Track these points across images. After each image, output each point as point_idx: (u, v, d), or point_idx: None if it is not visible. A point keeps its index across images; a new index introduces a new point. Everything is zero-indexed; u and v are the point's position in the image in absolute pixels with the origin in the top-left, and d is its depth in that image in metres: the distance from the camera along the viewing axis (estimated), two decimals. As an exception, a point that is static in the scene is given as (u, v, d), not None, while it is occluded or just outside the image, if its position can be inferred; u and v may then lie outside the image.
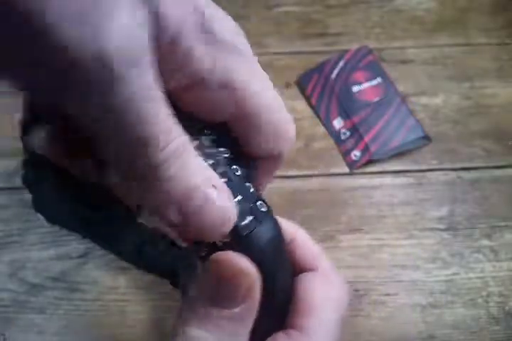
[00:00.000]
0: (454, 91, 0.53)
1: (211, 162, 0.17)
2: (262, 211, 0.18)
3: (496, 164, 0.49)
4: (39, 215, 0.44)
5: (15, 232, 0.45)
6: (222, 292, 0.16)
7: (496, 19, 0.57)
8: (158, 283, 0.42)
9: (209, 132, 0.18)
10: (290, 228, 0.21)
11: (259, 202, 0.18)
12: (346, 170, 0.49)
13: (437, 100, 0.52)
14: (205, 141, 0.18)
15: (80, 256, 0.44)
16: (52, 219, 0.44)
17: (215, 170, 0.16)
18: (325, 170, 0.49)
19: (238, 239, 0.17)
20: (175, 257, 0.41)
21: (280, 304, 0.20)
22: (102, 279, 0.43)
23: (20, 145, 0.49)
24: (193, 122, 0.17)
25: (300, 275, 0.21)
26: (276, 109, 0.18)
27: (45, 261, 0.44)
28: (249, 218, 0.17)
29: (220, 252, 0.17)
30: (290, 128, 0.20)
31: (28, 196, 0.43)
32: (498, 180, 0.48)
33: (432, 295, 0.43)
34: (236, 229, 0.16)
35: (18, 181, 0.45)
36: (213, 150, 0.18)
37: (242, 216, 0.17)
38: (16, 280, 0.43)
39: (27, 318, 0.42)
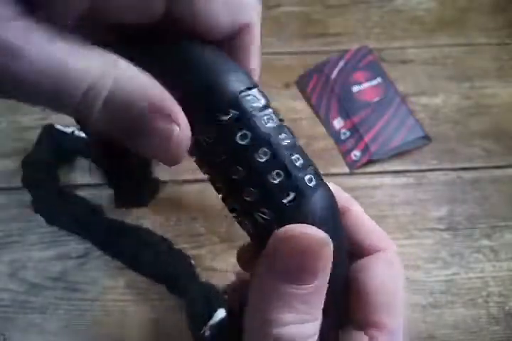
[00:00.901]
0: (454, 91, 0.53)
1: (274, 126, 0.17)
2: (311, 181, 0.17)
3: (496, 164, 0.49)
4: (39, 215, 0.44)
5: (15, 232, 0.45)
6: (300, 266, 0.16)
7: (496, 19, 0.57)
8: (158, 283, 0.42)
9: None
10: (343, 200, 0.20)
11: (308, 175, 0.17)
12: (346, 170, 0.49)
13: (437, 100, 0.52)
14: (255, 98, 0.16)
15: (80, 256, 0.44)
16: (51, 221, 0.44)
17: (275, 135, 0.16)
18: (325, 170, 0.49)
19: (282, 212, 0.16)
20: (172, 261, 0.41)
21: (337, 290, 0.18)
22: (102, 279, 0.43)
23: (20, 145, 0.49)
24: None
25: (363, 259, 0.19)
26: None
27: (45, 261, 0.44)
28: (311, 180, 0.17)
29: (289, 226, 0.16)
30: None
31: (28, 196, 0.43)
32: (498, 180, 0.48)
33: (432, 295, 0.43)
34: (280, 202, 0.16)
35: (18, 181, 0.45)
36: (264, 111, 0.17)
37: (286, 189, 0.16)
38: (16, 280, 0.43)
39: (27, 318, 0.42)
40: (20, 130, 0.49)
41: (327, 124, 0.51)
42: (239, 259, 0.22)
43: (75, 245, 0.44)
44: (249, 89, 0.16)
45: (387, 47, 0.55)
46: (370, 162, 0.49)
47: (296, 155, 0.17)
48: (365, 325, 0.18)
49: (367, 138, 0.49)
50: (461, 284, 0.43)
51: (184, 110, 0.15)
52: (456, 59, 0.55)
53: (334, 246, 0.16)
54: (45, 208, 0.44)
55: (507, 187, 0.48)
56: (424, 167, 0.49)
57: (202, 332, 0.36)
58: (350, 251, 0.19)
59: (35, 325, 0.41)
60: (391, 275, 0.19)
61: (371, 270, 0.19)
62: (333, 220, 0.17)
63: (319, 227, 0.16)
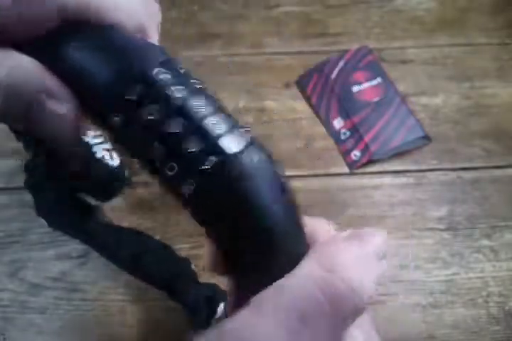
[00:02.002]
0: (454, 91, 0.53)
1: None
2: (245, 135, 0.16)
3: (496, 164, 0.49)
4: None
5: (15, 232, 0.45)
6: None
7: (496, 19, 0.57)
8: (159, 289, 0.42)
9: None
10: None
11: (230, 136, 0.16)
12: (346, 170, 0.49)
13: (437, 100, 0.52)
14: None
15: (80, 256, 0.44)
16: (53, 224, 0.44)
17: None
18: (325, 170, 0.49)
19: (205, 178, 0.16)
20: (173, 268, 0.41)
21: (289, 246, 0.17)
22: (102, 279, 0.43)
23: (20, 145, 0.49)
24: None
25: None
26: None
27: (45, 261, 0.44)
28: (234, 141, 0.16)
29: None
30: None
31: (28, 196, 0.43)
32: (498, 180, 0.48)
33: (432, 295, 0.43)
34: (202, 169, 0.15)
35: (18, 181, 0.45)
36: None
37: (205, 155, 0.15)
38: (16, 280, 0.43)
39: (27, 318, 0.42)
40: None
41: (327, 124, 0.51)
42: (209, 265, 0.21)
43: (75, 245, 0.44)
44: (164, 62, 0.16)
45: (387, 47, 0.55)
46: (370, 162, 0.49)
47: (215, 120, 0.16)
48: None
49: (367, 138, 0.49)
50: (461, 284, 0.43)
51: (91, 96, 0.16)
52: (456, 59, 0.55)
53: (269, 209, 0.16)
54: (46, 211, 0.44)
55: (507, 187, 0.48)
56: (424, 167, 0.49)
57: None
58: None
59: (34, 325, 0.42)
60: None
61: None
62: (266, 179, 0.16)
63: (248, 183, 0.16)
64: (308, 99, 0.53)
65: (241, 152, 0.16)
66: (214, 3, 0.58)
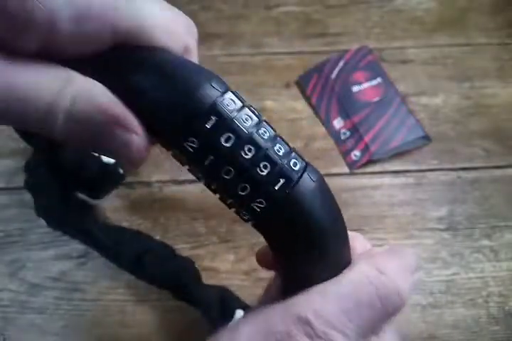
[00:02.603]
0: (454, 91, 0.53)
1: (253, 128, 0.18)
2: (296, 165, 0.19)
3: (496, 164, 0.49)
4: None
5: (15, 232, 0.45)
6: None
7: (496, 19, 0.57)
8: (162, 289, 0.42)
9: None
10: None
11: (292, 160, 0.19)
12: (346, 170, 0.49)
13: (437, 100, 0.52)
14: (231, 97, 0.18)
15: (80, 256, 0.44)
16: (53, 224, 0.44)
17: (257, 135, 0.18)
18: (325, 170, 0.49)
19: (275, 198, 0.18)
20: (176, 267, 0.41)
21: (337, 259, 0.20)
22: (102, 279, 0.43)
23: (20, 145, 0.49)
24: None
25: None
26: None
27: (45, 261, 0.44)
28: (296, 164, 0.19)
29: None
30: (180, 22, 0.20)
31: (28, 196, 0.43)
32: (498, 180, 0.48)
33: (432, 295, 0.43)
34: (272, 190, 0.18)
35: (18, 181, 0.45)
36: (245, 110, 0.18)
37: (275, 177, 0.18)
38: (16, 280, 0.43)
39: (27, 318, 0.42)
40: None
41: (327, 124, 0.51)
42: (258, 260, 0.24)
43: (75, 245, 0.44)
44: (225, 93, 0.17)
45: (387, 47, 0.55)
46: (370, 162, 0.49)
47: (278, 145, 0.18)
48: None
49: (367, 138, 0.49)
50: (461, 284, 0.43)
51: (162, 119, 0.17)
52: (456, 59, 0.55)
53: (328, 222, 0.19)
54: (47, 212, 0.44)
55: (507, 187, 0.48)
56: (424, 167, 0.49)
57: None
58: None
59: (35, 325, 0.42)
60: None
61: None
62: (323, 195, 0.20)
63: (311, 203, 0.18)
64: (308, 99, 0.53)
65: (303, 172, 0.19)
66: (214, 3, 0.58)
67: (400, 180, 0.48)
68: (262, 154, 0.18)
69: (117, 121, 0.16)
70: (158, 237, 0.44)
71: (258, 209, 0.18)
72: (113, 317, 0.42)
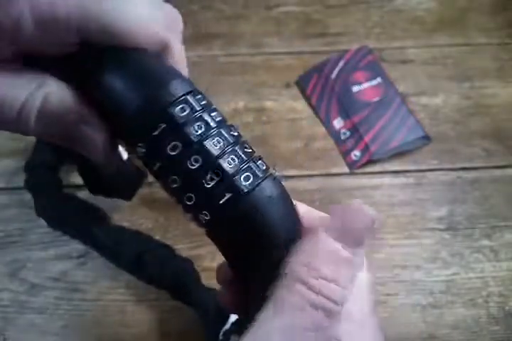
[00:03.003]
0: (454, 91, 0.53)
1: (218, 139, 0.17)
2: (261, 170, 0.18)
3: (496, 164, 0.49)
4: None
5: (15, 232, 0.45)
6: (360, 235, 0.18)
7: (496, 19, 0.57)
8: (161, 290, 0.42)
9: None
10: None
11: (245, 173, 0.17)
12: (346, 170, 0.49)
13: (437, 100, 0.52)
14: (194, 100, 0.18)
15: (80, 256, 0.44)
16: (53, 224, 0.44)
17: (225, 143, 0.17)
18: (325, 170, 0.49)
19: (219, 213, 0.17)
20: (175, 268, 0.41)
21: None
22: (102, 279, 0.43)
23: (20, 145, 0.49)
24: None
25: None
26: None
27: (45, 261, 0.44)
28: (249, 178, 0.17)
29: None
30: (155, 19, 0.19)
31: (28, 196, 0.43)
32: (498, 180, 0.48)
33: (432, 295, 0.43)
34: (216, 204, 0.17)
35: (18, 181, 0.45)
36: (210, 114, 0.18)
37: (221, 191, 0.17)
38: (16, 280, 0.43)
39: (27, 318, 0.42)
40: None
41: (327, 124, 0.51)
42: (217, 277, 0.24)
43: (75, 245, 0.44)
44: (183, 96, 0.17)
45: (387, 47, 0.55)
46: (370, 162, 0.49)
47: (232, 157, 0.17)
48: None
49: (367, 138, 0.49)
50: (461, 284, 0.43)
51: (118, 124, 0.17)
52: (456, 59, 0.55)
53: (280, 234, 0.17)
54: (47, 212, 0.44)
55: (507, 187, 0.48)
56: (424, 167, 0.49)
57: (219, 339, 0.36)
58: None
59: (35, 325, 0.41)
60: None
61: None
62: (277, 212, 0.18)
63: (259, 220, 0.17)
64: (308, 99, 0.53)
65: (254, 188, 0.17)
66: (214, 3, 0.58)
67: (400, 180, 0.48)
68: (210, 166, 0.17)
69: (83, 120, 0.17)
70: (158, 237, 0.44)
71: (203, 221, 0.18)
72: (113, 317, 0.42)
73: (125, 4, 0.17)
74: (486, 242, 0.45)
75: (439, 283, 0.43)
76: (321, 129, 0.51)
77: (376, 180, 0.48)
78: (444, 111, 0.52)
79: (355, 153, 0.49)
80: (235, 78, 0.53)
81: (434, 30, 0.57)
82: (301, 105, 0.52)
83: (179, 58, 0.20)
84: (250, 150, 0.18)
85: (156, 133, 0.17)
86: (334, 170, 0.49)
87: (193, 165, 0.17)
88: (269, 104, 0.52)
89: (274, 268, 0.17)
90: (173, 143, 0.17)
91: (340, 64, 0.53)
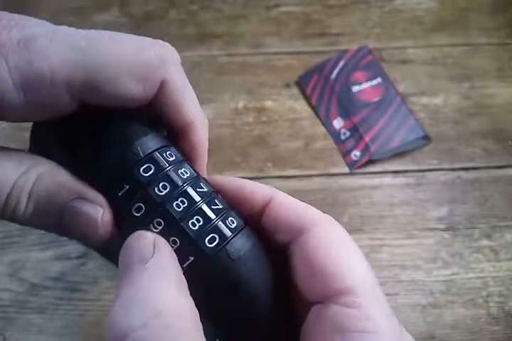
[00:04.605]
0: (454, 91, 0.53)
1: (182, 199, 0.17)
2: (214, 241, 0.17)
3: (496, 164, 0.49)
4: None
5: (15, 233, 0.45)
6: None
7: (496, 19, 0.57)
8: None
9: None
10: (266, 191, 0.19)
11: (210, 234, 0.17)
12: (346, 170, 0.49)
13: (437, 100, 0.52)
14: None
15: (80, 256, 0.44)
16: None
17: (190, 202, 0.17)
18: (325, 170, 0.49)
19: (202, 261, 0.17)
20: None
21: (268, 323, 0.18)
22: (102, 279, 0.43)
23: (20, 145, 0.49)
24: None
25: (296, 240, 0.18)
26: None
27: (45, 261, 0.44)
28: (214, 239, 0.17)
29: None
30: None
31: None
32: (498, 180, 0.48)
33: (432, 295, 0.43)
34: (199, 252, 0.16)
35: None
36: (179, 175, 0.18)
37: (184, 254, 0.16)
38: (15, 280, 0.43)
39: (27, 318, 0.42)
40: (20, 130, 0.49)
41: (327, 124, 0.51)
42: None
43: (75, 245, 0.44)
44: (149, 154, 0.17)
45: (387, 47, 0.55)
46: (370, 162, 0.49)
47: (196, 217, 0.17)
48: (332, 297, 0.17)
49: (367, 138, 0.49)
50: (461, 284, 0.43)
51: (98, 182, 0.17)
52: (456, 59, 0.55)
53: (258, 290, 0.17)
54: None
55: (507, 187, 0.48)
56: (424, 167, 0.49)
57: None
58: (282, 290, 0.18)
59: (35, 325, 0.41)
60: (333, 241, 0.18)
61: (309, 243, 0.18)
62: (248, 271, 0.17)
63: (229, 282, 0.16)
64: (308, 99, 0.53)
65: (220, 249, 0.17)
66: (214, 3, 0.58)
67: (400, 180, 0.48)
68: (172, 229, 0.17)
69: (80, 195, 0.16)
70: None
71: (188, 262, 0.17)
72: (113, 317, 0.42)
73: (109, 51, 0.16)
74: (486, 242, 0.45)
75: (439, 283, 0.43)
76: (321, 129, 0.51)
77: (376, 180, 0.48)
78: (444, 111, 0.52)
79: (355, 153, 0.49)
80: (234, 78, 0.53)
81: (434, 30, 0.57)
82: (301, 105, 0.52)
83: (179, 90, 0.18)
84: (221, 207, 0.18)
85: (120, 193, 0.17)
86: (334, 170, 0.49)
87: (156, 228, 0.17)
88: (269, 104, 0.52)
89: (251, 325, 0.17)
90: (137, 204, 0.17)
91: (340, 64, 0.53)
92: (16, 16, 0.16)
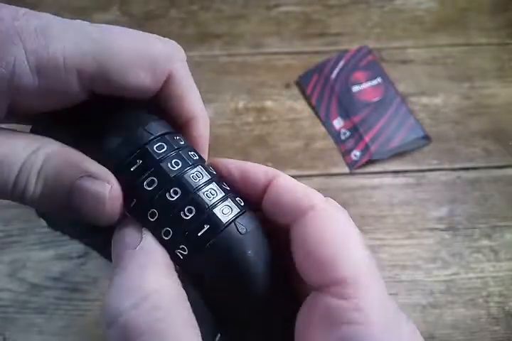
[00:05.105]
0: (454, 91, 0.53)
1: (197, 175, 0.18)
2: (239, 205, 0.18)
3: (496, 164, 0.49)
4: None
5: (15, 232, 0.45)
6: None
7: (496, 19, 0.57)
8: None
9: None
10: (269, 172, 0.19)
11: (224, 205, 0.17)
12: (346, 170, 0.49)
13: (437, 100, 0.52)
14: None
15: (80, 256, 0.44)
16: (54, 225, 0.44)
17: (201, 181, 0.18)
18: (325, 170, 0.49)
19: (197, 245, 0.17)
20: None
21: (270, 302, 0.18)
22: (102, 279, 0.43)
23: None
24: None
25: (296, 222, 0.18)
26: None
27: (45, 261, 0.44)
28: (227, 211, 0.17)
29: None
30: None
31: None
32: (498, 180, 0.48)
33: (432, 295, 0.43)
34: (194, 236, 0.17)
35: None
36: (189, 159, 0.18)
37: (199, 223, 0.17)
38: (15, 280, 0.43)
39: (27, 318, 0.42)
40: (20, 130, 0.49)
41: (327, 124, 0.51)
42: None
43: (75, 245, 0.44)
44: (161, 135, 0.18)
45: (387, 47, 0.55)
46: (370, 162, 0.49)
47: (211, 190, 0.17)
48: (324, 286, 0.16)
49: (367, 138, 0.49)
50: (461, 284, 0.43)
51: (103, 163, 0.17)
52: (456, 59, 0.55)
53: (259, 268, 0.17)
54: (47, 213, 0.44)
55: (507, 187, 0.48)
56: (424, 167, 0.49)
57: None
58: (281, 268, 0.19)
59: (35, 325, 0.41)
60: (330, 226, 0.17)
61: (307, 227, 0.17)
62: (255, 243, 0.17)
63: (240, 253, 0.17)
64: (308, 99, 0.53)
65: (231, 222, 0.17)
66: (214, 3, 0.58)
67: (400, 180, 0.48)
68: (188, 198, 0.17)
69: (88, 173, 0.16)
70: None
71: (181, 257, 0.17)
72: (113, 317, 0.42)
73: (119, 42, 0.17)
74: (486, 242, 0.45)
75: (439, 283, 0.43)
76: (321, 129, 0.51)
77: (376, 180, 0.48)
78: (444, 111, 0.52)
79: (355, 153, 0.49)
80: (235, 78, 0.53)
81: (434, 30, 0.57)
82: (301, 105, 0.52)
83: (185, 85, 0.19)
84: (228, 188, 0.18)
85: (132, 168, 0.17)
86: (334, 170, 0.49)
87: (172, 197, 0.17)
88: (269, 104, 0.52)
89: (250, 303, 0.17)
90: (150, 178, 0.17)
91: (340, 64, 0.53)
92: (30, 10, 0.16)
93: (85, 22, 0.17)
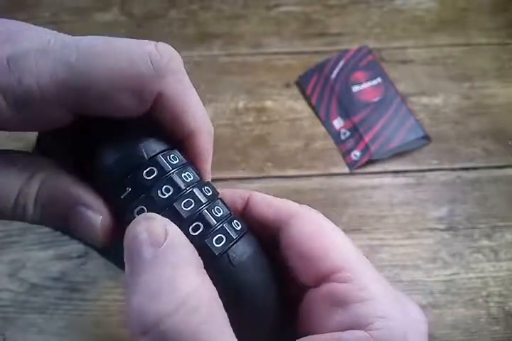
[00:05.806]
0: (454, 91, 0.53)
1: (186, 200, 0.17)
2: (235, 230, 0.18)
3: (496, 164, 0.49)
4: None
5: (15, 232, 0.45)
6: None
7: (496, 19, 0.57)
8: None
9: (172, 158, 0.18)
10: (243, 193, 0.20)
11: (233, 222, 0.18)
12: (346, 170, 0.49)
13: (437, 100, 0.52)
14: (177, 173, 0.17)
15: (80, 256, 0.44)
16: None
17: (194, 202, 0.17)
18: (325, 170, 0.49)
19: (211, 261, 0.17)
20: None
21: (269, 320, 0.18)
22: (102, 279, 0.43)
23: (20, 145, 0.49)
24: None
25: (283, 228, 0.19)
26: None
27: (45, 261, 0.44)
28: (221, 239, 0.17)
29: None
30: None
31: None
32: (498, 180, 0.48)
33: (432, 295, 0.43)
34: (207, 251, 0.17)
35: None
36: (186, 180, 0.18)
37: (211, 239, 0.17)
38: (16, 280, 0.43)
39: (27, 318, 0.42)
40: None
41: (327, 124, 0.51)
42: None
43: (75, 245, 0.44)
44: (153, 157, 0.17)
45: (387, 47, 0.55)
46: (370, 162, 0.49)
47: (197, 223, 0.17)
48: (325, 277, 0.18)
49: (367, 138, 0.49)
50: (461, 284, 0.43)
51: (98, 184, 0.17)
52: (456, 59, 0.55)
53: (257, 288, 0.17)
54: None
55: (507, 187, 0.48)
56: (424, 167, 0.49)
57: None
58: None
59: (35, 325, 0.41)
60: (314, 226, 0.19)
61: (294, 232, 0.19)
62: (252, 272, 0.17)
63: (234, 283, 0.17)
64: (308, 99, 0.53)
65: (227, 250, 0.17)
66: (214, 3, 0.58)
67: (400, 180, 0.48)
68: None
69: (80, 201, 0.17)
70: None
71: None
72: (113, 317, 0.42)
73: (102, 60, 0.16)
74: (486, 242, 0.45)
75: (439, 283, 0.43)
76: (321, 129, 0.51)
77: (376, 180, 0.48)
78: (444, 111, 0.52)
79: (355, 153, 0.49)
80: (235, 78, 0.53)
81: (434, 30, 0.57)
82: (301, 105, 0.52)
83: (178, 103, 0.18)
84: (226, 210, 0.18)
85: (122, 196, 0.17)
86: (334, 170, 0.49)
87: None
88: (269, 104, 0.52)
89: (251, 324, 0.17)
90: (140, 207, 0.17)
91: (340, 64, 0.53)
92: (12, 27, 0.16)
93: (66, 38, 0.16)
